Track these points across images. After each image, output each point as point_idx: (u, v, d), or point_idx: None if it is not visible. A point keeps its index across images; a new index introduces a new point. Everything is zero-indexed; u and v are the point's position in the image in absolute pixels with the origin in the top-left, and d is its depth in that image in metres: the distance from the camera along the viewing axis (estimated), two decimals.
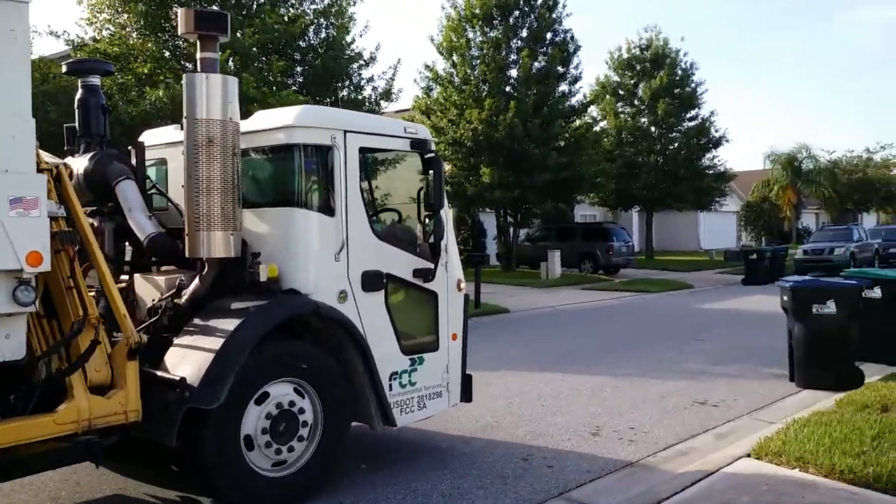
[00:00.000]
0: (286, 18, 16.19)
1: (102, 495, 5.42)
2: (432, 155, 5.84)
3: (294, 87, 16.34)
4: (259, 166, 5.78)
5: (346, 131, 5.43)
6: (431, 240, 5.92)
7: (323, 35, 17.23)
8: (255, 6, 16.34)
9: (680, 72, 35.19)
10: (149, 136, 6.25)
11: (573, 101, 28.12)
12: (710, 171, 35.81)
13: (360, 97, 17.10)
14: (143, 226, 5.35)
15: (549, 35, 27.26)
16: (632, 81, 35.81)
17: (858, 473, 5.23)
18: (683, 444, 6.51)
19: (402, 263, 5.75)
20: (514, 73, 26.66)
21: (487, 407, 7.70)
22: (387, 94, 17.72)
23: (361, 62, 17.48)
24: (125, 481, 5.63)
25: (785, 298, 9.04)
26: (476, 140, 24.73)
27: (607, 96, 35.84)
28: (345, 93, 17.02)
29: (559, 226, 31.26)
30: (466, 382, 6.26)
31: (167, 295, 5.19)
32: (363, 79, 17.81)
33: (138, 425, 4.64)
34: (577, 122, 28.53)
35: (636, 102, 35.78)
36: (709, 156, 36.07)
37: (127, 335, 4.63)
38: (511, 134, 24.07)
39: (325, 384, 5.21)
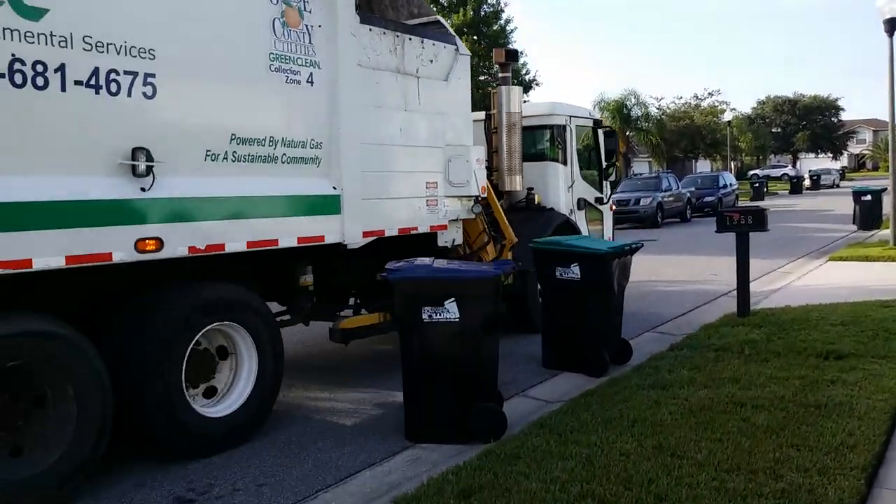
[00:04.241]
0: None
1: None
2: (608, 129, 10.96)
3: None
4: (529, 138, 9.68)
5: (570, 116, 9.98)
6: (610, 179, 10.86)
7: None
8: None
9: (487, 7, 31.97)
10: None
11: None
12: None
13: None
14: None
15: None
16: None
17: None
18: None
19: (591, 194, 10.39)
20: None
21: None
22: None
23: None
24: None
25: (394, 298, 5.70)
26: None
27: None
28: None
29: None
30: None
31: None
32: None
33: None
34: None
35: None
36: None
37: (510, 237, 8.40)
38: None
39: None
